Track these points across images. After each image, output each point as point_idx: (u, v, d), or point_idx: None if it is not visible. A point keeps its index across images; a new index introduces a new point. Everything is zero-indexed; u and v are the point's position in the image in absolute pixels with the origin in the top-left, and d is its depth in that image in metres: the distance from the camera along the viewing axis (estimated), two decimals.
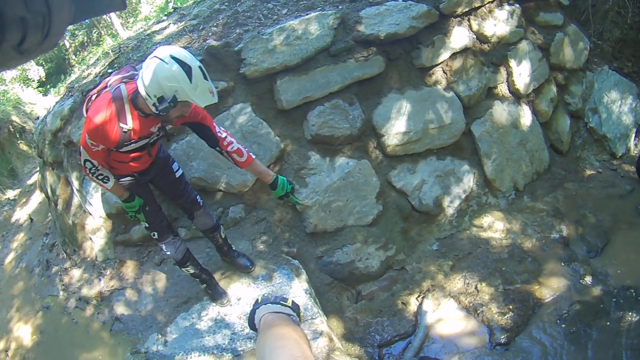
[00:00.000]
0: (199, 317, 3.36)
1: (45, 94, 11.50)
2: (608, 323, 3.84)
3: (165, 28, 5.33)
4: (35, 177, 7.40)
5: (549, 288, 4.11)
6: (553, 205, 4.94)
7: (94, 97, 2.56)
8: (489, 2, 4.88)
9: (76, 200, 4.57)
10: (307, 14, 4.31)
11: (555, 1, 5.77)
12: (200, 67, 2.33)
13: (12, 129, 9.05)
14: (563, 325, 3.81)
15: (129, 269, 4.21)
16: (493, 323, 3.77)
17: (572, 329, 3.78)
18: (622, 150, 5.96)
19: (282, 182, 2.88)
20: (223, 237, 3.47)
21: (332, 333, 3.45)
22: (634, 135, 6.14)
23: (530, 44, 5.20)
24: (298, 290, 3.46)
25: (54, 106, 4.93)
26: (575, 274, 4.24)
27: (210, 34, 4.53)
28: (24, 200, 7.20)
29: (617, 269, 4.33)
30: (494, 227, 4.55)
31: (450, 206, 4.46)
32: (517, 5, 5.17)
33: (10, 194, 7.94)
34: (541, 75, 5.30)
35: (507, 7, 5.04)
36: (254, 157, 2.89)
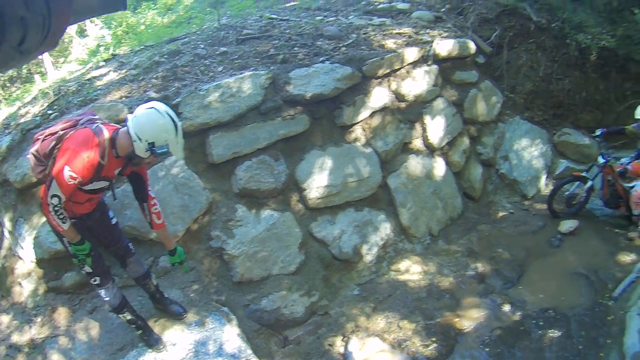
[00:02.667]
0: None
1: None
2: (531, 342, 4.19)
3: (105, 75, 5.48)
4: None
5: (469, 319, 4.45)
6: (467, 247, 5.39)
7: (60, 133, 2.79)
8: (408, 64, 5.38)
9: (6, 242, 4.55)
10: (241, 73, 4.64)
11: (471, 60, 6.40)
12: (181, 126, 2.82)
13: None
14: (487, 350, 4.13)
15: (61, 316, 4.20)
16: (418, 355, 4.04)
17: (496, 351, 4.10)
18: (533, 192, 6.56)
19: (180, 251, 3.44)
20: (155, 284, 3.64)
21: None
22: (544, 176, 6.79)
23: (445, 101, 5.76)
24: (231, 334, 3.65)
25: None
26: (494, 304, 4.60)
27: (150, 85, 4.74)
28: None
29: (535, 295, 4.74)
30: (411, 270, 4.92)
31: (369, 253, 4.81)
32: (435, 66, 5.72)
33: None
34: (455, 129, 5.85)
35: (424, 68, 5.57)
36: (166, 224, 3.36)
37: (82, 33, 8.57)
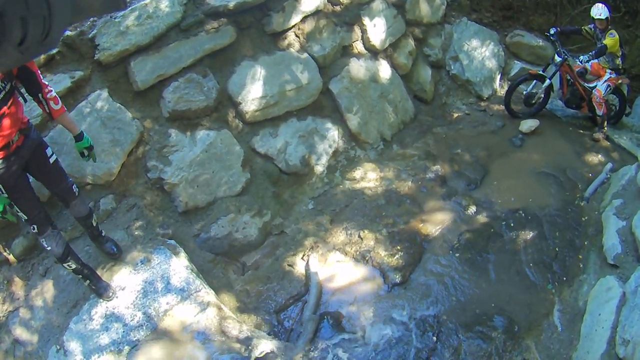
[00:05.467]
0: (89, 318, 3.34)
1: None
2: (503, 245, 4.08)
3: None
4: None
5: (434, 224, 4.29)
6: (424, 150, 5.21)
7: None
8: None
9: None
10: None
11: None
12: None
13: None
14: (457, 255, 3.99)
15: (18, 287, 3.97)
16: (384, 266, 3.89)
17: (467, 256, 3.97)
18: (488, 92, 6.41)
19: (87, 137, 3.14)
20: (95, 224, 3.50)
21: (220, 303, 3.49)
22: (498, 77, 6.62)
23: (384, 2, 5.45)
24: (178, 267, 3.51)
25: None
26: (459, 207, 4.47)
27: None
28: None
29: (501, 196, 4.61)
30: (367, 177, 4.73)
31: (319, 164, 4.61)
32: None
33: None
34: (397, 31, 5.58)
35: None
36: (65, 109, 3.04)
37: None
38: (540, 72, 5.73)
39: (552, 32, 5.54)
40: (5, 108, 2.66)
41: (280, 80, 4.45)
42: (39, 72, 2.86)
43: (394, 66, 5.53)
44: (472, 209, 4.44)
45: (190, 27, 4.19)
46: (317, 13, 4.80)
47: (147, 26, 4.02)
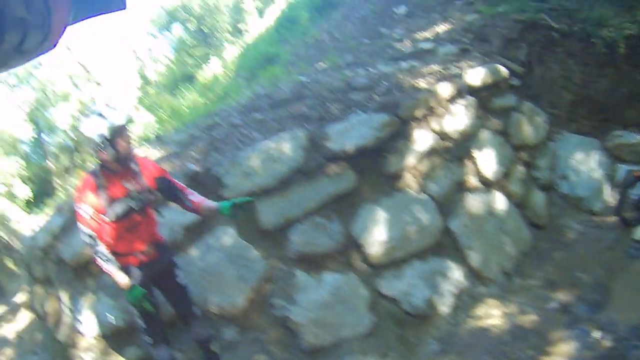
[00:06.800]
0: None
1: (29, 213, 11.75)
2: None
3: (147, 155, 5.63)
4: (23, 296, 7.31)
5: (559, 355, 4.07)
6: (544, 279, 5.04)
7: None
8: (444, 101, 5.25)
9: (66, 318, 4.59)
10: (278, 136, 4.65)
11: (505, 84, 6.19)
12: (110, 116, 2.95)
13: None
14: None
15: None
16: None
17: None
18: (599, 205, 6.11)
19: (224, 204, 3.32)
20: (215, 351, 3.60)
21: None
22: (607, 186, 6.33)
23: (489, 131, 5.56)
24: None
25: (45, 224, 5.14)
26: (583, 334, 4.22)
27: (189, 158, 4.85)
28: (11, 317, 7.06)
29: (626, 315, 4.30)
30: (490, 314, 4.60)
31: (443, 304, 4.54)
32: (471, 97, 5.56)
33: None
34: (506, 159, 5.61)
35: (461, 102, 5.41)
36: (203, 197, 3.38)
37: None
38: None
39: None
40: (139, 217, 3.12)
41: (401, 222, 4.56)
42: (179, 184, 3.36)
43: (507, 196, 5.51)
44: (597, 334, 4.15)
45: (312, 171, 4.48)
46: (429, 151, 4.97)
47: (271, 169, 4.36)
